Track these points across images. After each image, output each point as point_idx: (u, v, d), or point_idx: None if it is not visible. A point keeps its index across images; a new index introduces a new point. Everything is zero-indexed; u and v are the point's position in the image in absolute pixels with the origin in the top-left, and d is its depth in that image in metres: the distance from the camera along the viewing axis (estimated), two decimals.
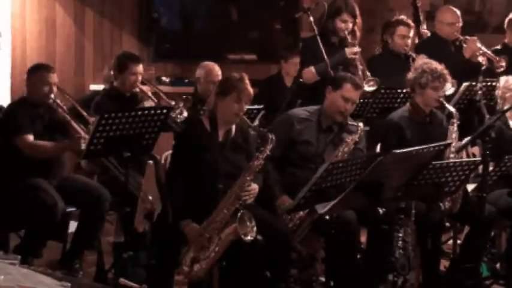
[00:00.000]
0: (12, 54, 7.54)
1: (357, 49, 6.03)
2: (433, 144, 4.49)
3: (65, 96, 5.61)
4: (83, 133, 5.16)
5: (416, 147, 4.38)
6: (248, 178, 4.55)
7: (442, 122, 5.56)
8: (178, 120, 5.80)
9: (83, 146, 5.06)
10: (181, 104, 5.86)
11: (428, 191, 4.61)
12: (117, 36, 8.09)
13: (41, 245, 5.29)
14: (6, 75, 7.44)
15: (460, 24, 6.71)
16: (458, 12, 6.77)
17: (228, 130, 4.75)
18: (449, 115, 5.51)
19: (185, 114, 5.83)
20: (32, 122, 5.29)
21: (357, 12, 6.16)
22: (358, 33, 6.21)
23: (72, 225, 5.52)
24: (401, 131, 5.36)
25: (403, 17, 6.80)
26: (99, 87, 7.13)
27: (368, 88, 5.95)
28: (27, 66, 5.88)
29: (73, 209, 5.40)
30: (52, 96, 5.33)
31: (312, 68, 6.04)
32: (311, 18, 6.08)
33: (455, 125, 5.43)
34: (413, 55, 6.39)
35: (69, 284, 2.60)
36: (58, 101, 5.34)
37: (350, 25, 6.12)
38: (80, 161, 5.95)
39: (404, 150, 4.31)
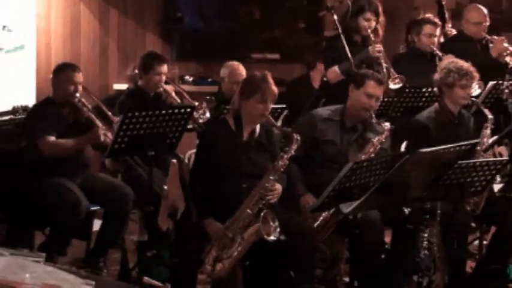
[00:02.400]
0: (38, 54, 7.58)
1: (380, 47, 6.00)
2: (459, 144, 4.45)
3: (89, 96, 5.63)
4: (100, 124, 5.19)
5: (443, 147, 4.34)
6: (272, 178, 4.54)
7: (469, 123, 5.51)
8: (201, 121, 5.81)
9: (102, 138, 5.07)
10: (204, 105, 5.87)
11: (454, 191, 4.57)
12: (141, 35, 8.11)
13: (65, 243, 5.32)
14: (31, 75, 7.48)
15: (487, 23, 6.65)
16: (485, 11, 6.70)
17: (253, 130, 4.73)
18: (482, 118, 5.44)
19: (208, 115, 5.84)
20: (55, 123, 5.31)
21: (380, 10, 6.13)
22: (381, 32, 6.17)
23: (97, 224, 5.54)
24: (427, 132, 5.33)
25: (429, 15, 6.75)
26: (123, 86, 7.15)
27: (393, 86, 5.92)
28: (52, 66, 5.91)
29: (97, 207, 5.43)
30: (77, 95, 5.35)
31: (336, 67, 6.01)
32: (334, 17, 6.05)
33: (488, 129, 5.38)
34: (440, 54, 6.33)
35: (93, 282, 2.60)
36: (83, 101, 5.37)
37: (373, 23, 6.09)
38: (104, 160, 5.98)
39: (430, 149, 4.27)
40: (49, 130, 5.26)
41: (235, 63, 6.45)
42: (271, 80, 4.67)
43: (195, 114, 5.70)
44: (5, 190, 5.37)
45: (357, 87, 5.10)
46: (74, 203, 5.09)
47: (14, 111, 5.91)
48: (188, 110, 5.01)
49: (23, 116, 5.71)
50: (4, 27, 7.31)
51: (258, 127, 4.75)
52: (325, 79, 6.13)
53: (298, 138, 4.60)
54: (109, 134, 5.15)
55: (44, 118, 5.30)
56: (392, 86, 5.91)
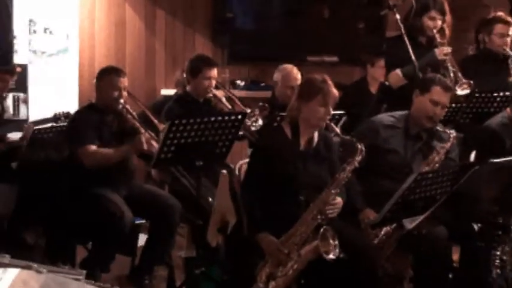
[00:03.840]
0: (81, 57, 7.66)
1: (447, 49, 5.91)
2: None
3: (135, 102, 5.66)
4: (143, 131, 5.21)
5: None
6: (333, 191, 4.50)
7: None
8: (253, 129, 5.80)
9: (146, 146, 5.08)
10: (257, 112, 5.86)
11: None
12: (190, 37, 8.15)
13: (109, 258, 5.31)
14: (74, 80, 7.56)
15: None
16: None
17: (310, 138, 4.70)
18: None
19: (260, 122, 5.83)
20: (98, 131, 5.34)
21: (447, 8, 6.05)
22: (447, 32, 6.08)
23: (142, 238, 5.56)
24: (499, 140, 5.24)
25: (500, 13, 6.63)
26: (171, 92, 7.18)
27: (461, 92, 5.84)
28: (96, 70, 5.95)
29: (142, 221, 5.46)
30: (122, 101, 5.38)
31: (399, 71, 5.94)
32: (397, 16, 5.98)
33: None
34: None
35: None
36: (128, 107, 5.39)
37: (439, 23, 6.00)
38: (149, 170, 6.00)
39: (503, 159, 4.19)
40: (91, 138, 5.29)
41: (288, 66, 6.44)
42: (331, 83, 4.65)
43: (247, 122, 5.71)
44: (45, 201, 5.42)
45: (421, 92, 5.04)
46: (118, 216, 5.10)
47: (56, 118, 5.98)
48: (239, 117, 5.00)
49: (65, 123, 5.77)
50: (46, 29, 7.41)
51: (316, 135, 4.72)
52: (386, 83, 6.06)
53: (363, 148, 4.57)
54: (153, 142, 5.15)
55: (86, 126, 5.33)
56: (459, 92, 5.82)
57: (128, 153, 5.37)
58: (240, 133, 5.60)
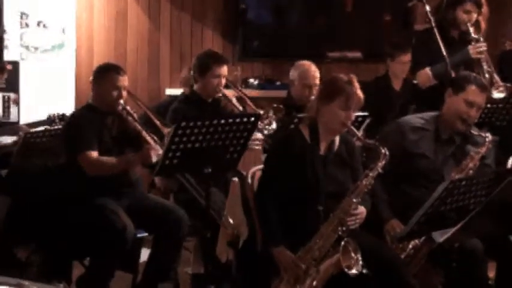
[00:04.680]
0: (78, 54, 7.71)
1: (483, 46, 5.92)
2: None
3: (136, 103, 5.68)
4: (152, 143, 5.23)
5: None
6: (355, 200, 4.51)
7: None
8: (266, 133, 5.82)
9: (154, 159, 5.11)
10: (271, 113, 5.87)
11: None
12: (198, 31, 8.17)
13: (108, 275, 5.33)
14: (70, 79, 7.60)
15: None
16: None
17: (331, 142, 4.72)
18: None
19: (274, 126, 5.84)
20: (97, 135, 5.36)
21: (483, 0, 6.05)
22: (483, 26, 6.09)
23: (144, 253, 5.58)
24: None
25: None
26: (177, 91, 7.20)
27: (497, 95, 5.85)
28: (94, 67, 5.98)
29: (145, 234, 5.46)
30: (122, 102, 5.40)
31: (428, 70, 5.96)
32: (427, 8, 5.99)
33: None
34: None
35: None
36: (128, 108, 5.41)
37: (474, 16, 6.01)
38: (153, 178, 6.02)
39: None
40: (91, 144, 5.30)
41: (306, 63, 6.43)
42: (357, 85, 4.65)
43: (260, 125, 5.70)
44: (39, 213, 5.45)
45: (455, 92, 5.05)
46: (120, 229, 5.12)
47: (50, 120, 6.01)
48: (252, 119, 5.01)
49: (60, 127, 5.80)
50: (39, 23, 7.45)
51: (337, 139, 4.74)
52: (414, 82, 6.07)
53: (387, 153, 4.57)
54: (161, 152, 5.16)
55: (84, 129, 5.34)
56: (495, 95, 5.83)
57: (132, 164, 5.41)
58: (258, 137, 5.63)
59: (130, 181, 5.50)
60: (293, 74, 6.47)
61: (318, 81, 6.18)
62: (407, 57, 6.70)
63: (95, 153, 5.30)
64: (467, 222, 4.18)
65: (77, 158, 5.30)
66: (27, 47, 7.40)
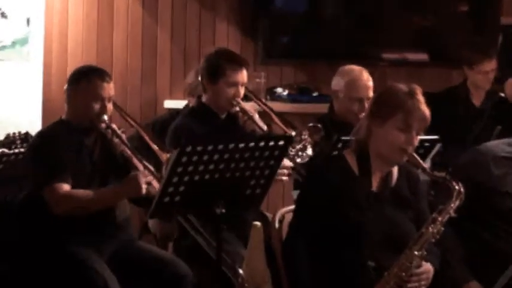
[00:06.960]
0: (46, 52, 7.74)
1: None
2: None
3: (125, 119, 5.70)
4: (142, 167, 5.24)
5: None
6: (417, 253, 4.51)
7: None
8: (299, 161, 5.81)
9: (145, 190, 5.11)
10: (305, 135, 5.86)
11: None
12: (208, 24, 8.19)
13: None
14: (36, 85, 7.62)
15: None
16: None
17: (387, 175, 4.72)
18: None
19: (309, 152, 5.84)
20: (71, 161, 5.36)
21: None
22: None
23: None
24: None
25: None
26: (180, 104, 7.21)
27: None
28: (68, 71, 5.98)
29: None
30: (106, 118, 5.41)
31: None
32: None
33: None
34: None
35: None
36: (114, 127, 5.43)
37: None
38: (147, 220, 6.01)
39: None
40: (61, 173, 5.31)
41: (356, 68, 6.43)
42: (421, 98, 4.64)
43: (291, 150, 5.69)
44: None
45: None
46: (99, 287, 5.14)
47: (9, 141, 6.00)
48: (281, 142, 4.98)
49: (23, 150, 5.79)
50: None
51: (395, 170, 4.74)
52: (501, 95, 6.05)
53: (462, 190, 4.56)
54: (155, 183, 5.13)
55: (54, 154, 5.34)
56: None
57: (116, 198, 5.43)
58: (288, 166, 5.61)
59: (116, 222, 5.52)
60: (338, 82, 6.46)
61: (371, 93, 6.15)
62: (492, 65, 6.69)
63: (66, 186, 5.30)
64: None
65: (43, 193, 5.30)
66: None
